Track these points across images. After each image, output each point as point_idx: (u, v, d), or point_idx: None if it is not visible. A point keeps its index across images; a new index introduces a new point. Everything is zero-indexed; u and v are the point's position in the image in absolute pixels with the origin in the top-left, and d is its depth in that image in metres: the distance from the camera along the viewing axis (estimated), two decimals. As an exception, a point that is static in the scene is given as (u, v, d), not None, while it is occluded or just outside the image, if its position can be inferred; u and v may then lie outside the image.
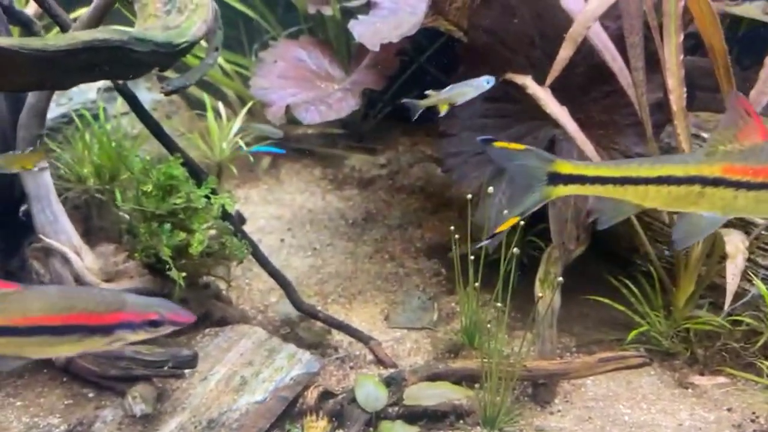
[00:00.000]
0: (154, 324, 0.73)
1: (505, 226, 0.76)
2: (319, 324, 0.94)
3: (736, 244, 0.80)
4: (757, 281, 0.91)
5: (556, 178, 0.72)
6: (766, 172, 0.69)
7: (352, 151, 1.37)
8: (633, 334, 0.92)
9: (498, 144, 0.79)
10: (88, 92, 1.17)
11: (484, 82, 1.03)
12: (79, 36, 0.67)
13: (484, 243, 0.85)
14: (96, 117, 1.08)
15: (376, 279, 1.07)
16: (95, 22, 0.84)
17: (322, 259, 1.12)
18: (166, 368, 0.79)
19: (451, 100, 1.13)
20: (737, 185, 0.68)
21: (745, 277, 0.97)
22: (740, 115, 0.71)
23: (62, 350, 0.80)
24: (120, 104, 1.13)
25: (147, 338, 0.74)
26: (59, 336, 0.74)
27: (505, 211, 0.90)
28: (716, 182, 0.69)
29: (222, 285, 0.95)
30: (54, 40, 0.66)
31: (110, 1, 0.79)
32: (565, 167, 0.73)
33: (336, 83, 1.30)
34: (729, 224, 0.97)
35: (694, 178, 0.70)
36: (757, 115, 0.78)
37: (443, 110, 1.11)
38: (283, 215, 1.19)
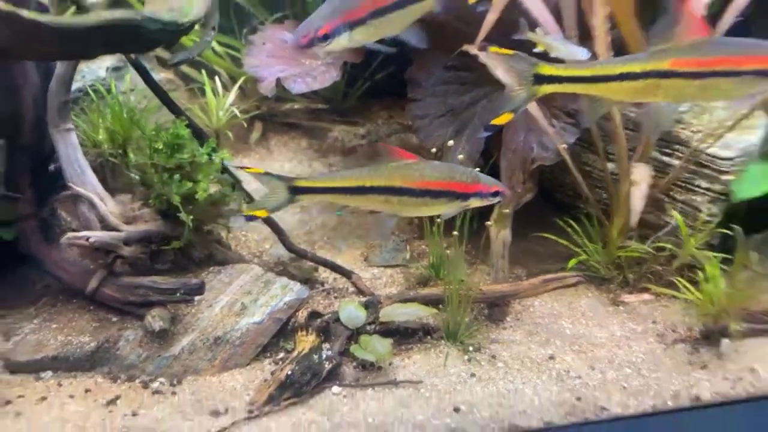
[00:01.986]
0: (496, 194, 0.89)
1: (498, 120, 0.83)
2: (308, 263, 1.08)
3: (641, 173, 0.94)
4: (675, 213, 1.05)
5: (540, 78, 0.82)
6: (708, 62, 0.79)
7: (335, 123, 1.48)
8: (573, 262, 1.08)
9: (493, 49, 0.87)
10: (98, 71, 1.27)
11: (580, 53, 1.02)
12: (102, 15, 0.81)
13: (484, 135, 0.99)
14: (108, 91, 1.20)
15: (357, 229, 1.23)
16: (112, 4, 0.95)
17: (309, 214, 1.29)
18: (178, 295, 0.90)
19: (548, 49, 1.06)
20: (685, 75, 0.79)
21: (666, 211, 1.11)
22: (683, 17, 0.88)
23: (431, 211, 0.90)
24: (128, 81, 1.26)
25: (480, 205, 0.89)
26: (435, 198, 0.87)
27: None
28: (668, 74, 0.78)
29: (223, 233, 1.07)
30: (81, 18, 0.78)
31: None
32: (547, 69, 0.83)
33: (319, 60, 1.34)
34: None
35: (651, 72, 0.80)
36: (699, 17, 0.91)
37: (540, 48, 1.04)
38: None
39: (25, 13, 0.77)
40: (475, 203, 0.92)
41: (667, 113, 0.93)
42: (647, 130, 0.96)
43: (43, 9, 0.96)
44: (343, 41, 0.81)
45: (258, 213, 0.87)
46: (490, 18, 0.95)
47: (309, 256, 1.05)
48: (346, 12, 0.82)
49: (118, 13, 0.78)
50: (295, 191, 0.86)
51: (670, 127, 1.07)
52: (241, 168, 0.96)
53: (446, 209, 0.92)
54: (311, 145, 1.47)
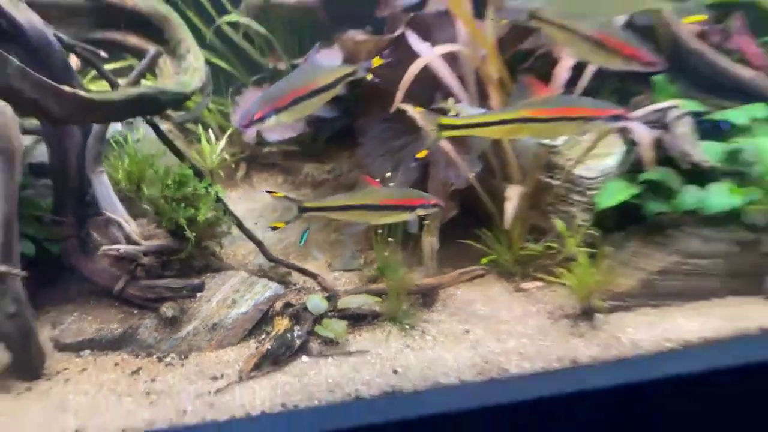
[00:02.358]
0: (435, 206, 1.11)
1: (420, 155, 1.11)
2: (283, 269, 1.32)
3: (512, 191, 1.22)
4: (557, 221, 1.30)
5: (442, 127, 1.07)
6: (553, 111, 1.07)
7: (306, 162, 1.75)
8: (485, 260, 1.33)
9: (416, 109, 1.21)
10: (116, 125, 1.54)
11: (478, 112, 1.37)
12: (130, 91, 1.09)
13: (412, 166, 1.29)
14: (125, 140, 1.49)
15: (323, 244, 1.48)
16: (136, 81, 1.19)
17: (284, 234, 1.54)
18: (184, 292, 1.16)
19: (458, 112, 1.37)
20: (539, 120, 1.07)
21: (551, 219, 1.38)
22: (529, 87, 1.14)
23: (393, 219, 1.13)
24: (140, 132, 1.52)
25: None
26: (394, 210, 1.11)
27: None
28: (528, 120, 1.06)
29: (217, 248, 1.33)
30: (118, 93, 1.07)
31: (144, 71, 1.14)
32: (446, 120, 1.10)
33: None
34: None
35: (517, 119, 1.07)
36: (542, 85, 1.22)
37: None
38: (255, 208, 1.59)
39: (84, 93, 1.02)
40: (421, 212, 1.14)
41: (531, 145, 1.28)
42: (524, 159, 1.26)
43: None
44: (272, 122, 1.04)
45: (278, 224, 1.12)
46: (405, 81, 1.24)
47: (284, 263, 1.29)
48: (273, 101, 1.04)
49: (142, 89, 1.08)
50: (303, 210, 1.10)
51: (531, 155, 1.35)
52: (268, 192, 1.17)
53: (403, 217, 1.13)
54: (287, 180, 1.76)
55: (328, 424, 0.99)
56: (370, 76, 1.21)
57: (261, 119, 1.05)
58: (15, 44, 1.08)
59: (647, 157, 1.23)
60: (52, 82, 0.99)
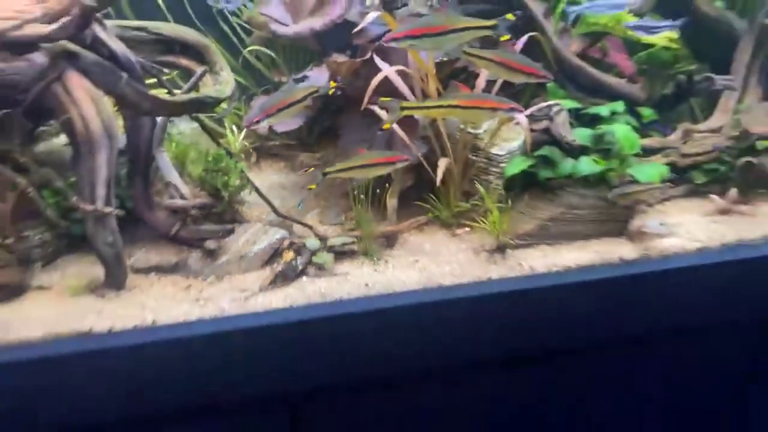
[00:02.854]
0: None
1: (386, 127, 1.49)
2: (287, 223, 1.66)
3: (442, 161, 1.57)
4: (479, 186, 1.61)
5: (402, 108, 1.46)
6: (471, 102, 1.46)
7: (301, 152, 2.07)
8: (429, 214, 1.69)
9: (382, 99, 1.54)
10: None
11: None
12: (187, 96, 1.43)
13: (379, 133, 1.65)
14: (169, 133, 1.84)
15: (315, 208, 1.81)
16: (190, 90, 1.55)
17: (286, 202, 1.85)
18: (220, 234, 1.52)
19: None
20: (462, 107, 1.45)
21: (476, 185, 1.70)
22: (457, 89, 1.53)
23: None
24: (180, 128, 1.85)
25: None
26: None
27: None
28: (455, 107, 1.44)
29: (241, 208, 1.69)
30: (179, 98, 1.42)
31: (196, 82, 1.50)
32: (405, 103, 1.49)
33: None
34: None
35: (449, 105, 1.44)
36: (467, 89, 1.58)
37: None
38: (263, 185, 1.82)
39: (162, 96, 1.43)
40: (399, 166, 1.50)
41: (461, 132, 1.66)
42: (456, 143, 1.64)
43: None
44: (264, 124, 1.51)
45: (312, 186, 1.57)
46: (371, 88, 1.60)
47: (289, 218, 1.64)
48: (265, 110, 1.45)
49: (194, 95, 1.43)
50: (325, 174, 1.49)
51: (456, 131, 1.73)
52: (304, 171, 1.73)
53: (388, 170, 1.51)
54: (287, 165, 2.10)
55: (321, 311, 1.36)
56: (332, 92, 1.57)
57: (258, 122, 1.48)
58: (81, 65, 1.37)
59: (527, 137, 1.63)
60: (144, 89, 1.39)
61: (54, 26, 1.25)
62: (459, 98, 1.50)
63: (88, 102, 1.29)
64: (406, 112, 1.51)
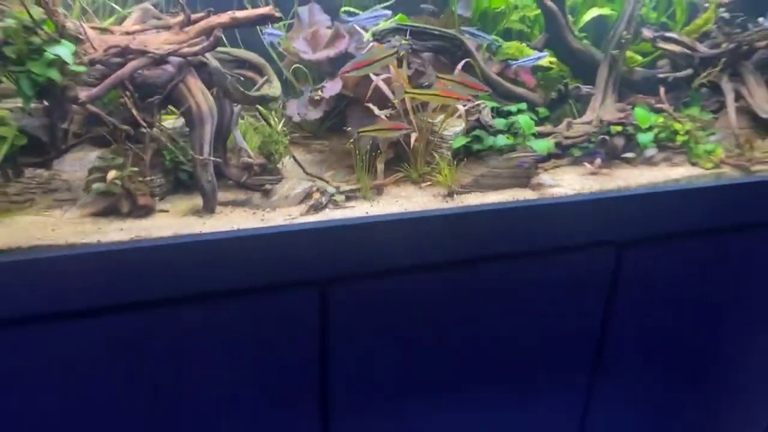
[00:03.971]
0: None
1: (395, 101, 1.95)
2: (313, 178, 1.94)
3: (413, 135, 1.89)
4: (438, 156, 1.95)
5: (406, 92, 1.88)
6: (444, 93, 1.85)
7: (315, 141, 2.42)
8: (404, 175, 2.02)
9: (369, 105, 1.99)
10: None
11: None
12: (256, 93, 1.86)
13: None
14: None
15: (328, 171, 2.12)
16: (258, 90, 2.03)
17: (309, 166, 2.12)
18: (273, 182, 1.78)
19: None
20: (439, 96, 1.85)
21: (435, 154, 2.16)
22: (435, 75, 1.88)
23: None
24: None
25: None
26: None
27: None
28: (434, 95, 1.87)
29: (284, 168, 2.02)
30: (253, 94, 1.79)
31: (261, 86, 1.92)
32: (407, 89, 1.87)
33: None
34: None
35: (430, 93, 1.88)
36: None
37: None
38: (287, 163, 2.13)
39: (242, 90, 1.88)
40: (398, 134, 1.98)
41: (426, 122, 2.03)
42: (422, 127, 1.89)
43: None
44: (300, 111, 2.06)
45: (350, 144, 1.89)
46: (368, 92, 1.92)
47: (312, 175, 1.95)
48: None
49: (260, 93, 1.81)
50: (359, 133, 1.86)
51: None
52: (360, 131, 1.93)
53: (397, 134, 1.97)
54: (304, 149, 2.42)
55: (338, 223, 1.73)
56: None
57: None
58: (207, 71, 1.80)
59: (465, 124, 2.00)
60: (237, 86, 1.81)
61: (197, 48, 1.66)
62: (438, 89, 1.89)
63: (200, 94, 1.65)
64: (406, 95, 1.92)
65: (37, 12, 1.37)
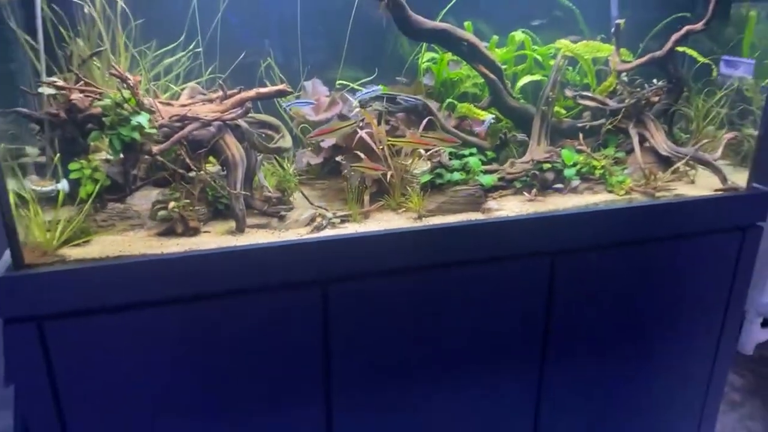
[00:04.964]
0: None
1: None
2: (316, 207, 2.22)
3: (389, 173, 2.14)
4: (409, 189, 2.50)
5: (388, 142, 2.14)
6: (418, 140, 2.26)
7: (316, 182, 2.40)
8: (385, 203, 2.25)
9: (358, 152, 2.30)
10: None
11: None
12: (274, 145, 2.37)
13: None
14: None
15: (327, 204, 2.29)
16: (276, 143, 2.82)
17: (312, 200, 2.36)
18: (287, 210, 2.19)
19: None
20: (414, 143, 2.24)
21: (407, 187, 2.64)
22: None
23: None
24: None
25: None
26: None
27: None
28: (410, 142, 2.21)
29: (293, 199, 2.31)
30: (271, 145, 2.59)
31: (277, 141, 2.60)
32: (390, 140, 2.14)
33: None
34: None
35: (411, 141, 2.25)
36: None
37: None
38: (296, 197, 2.06)
39: (265, 144, 2.43)
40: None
41: (400, 164, 2.73)
42: (397, 169, 2.71)
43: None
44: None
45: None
46: (355, 142, 2.19)
47: (315, 205, 2.23)
48: (323, 130, 2.19)
49: (276, 145, 2.26)
50: (385, 143, 2.09)
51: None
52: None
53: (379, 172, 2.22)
54: (309, 189, 2.36)
55: (338, 237, 2.07)
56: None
57: (315, 137, 2.17)
58: (240, 131, 2.17)
59: (430, 165, 2.32)
60: (260, 140, 2.20)
61: (233, 115, 2.04)
62: (414, 137, 2.22)
63: (234, 147, 1.96)
64: (388, 143, 2.25)
65: (126, 93, 1.74)
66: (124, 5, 1.98)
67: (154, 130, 1.88)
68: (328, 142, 2.37)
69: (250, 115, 2.21)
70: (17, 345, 1.64)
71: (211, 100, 2.09)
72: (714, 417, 2.53)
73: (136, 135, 1.85)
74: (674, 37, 2.31)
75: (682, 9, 2.60)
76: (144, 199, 2.19)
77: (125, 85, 1.76)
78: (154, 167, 2.06)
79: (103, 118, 1.80)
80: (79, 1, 1.90)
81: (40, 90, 1.73)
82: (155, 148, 1.89)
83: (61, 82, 1.76)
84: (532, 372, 2.44)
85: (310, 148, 2.39)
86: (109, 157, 1.89)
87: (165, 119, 1.91)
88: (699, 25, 2.22)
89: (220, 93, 2.07)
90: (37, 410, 1.74)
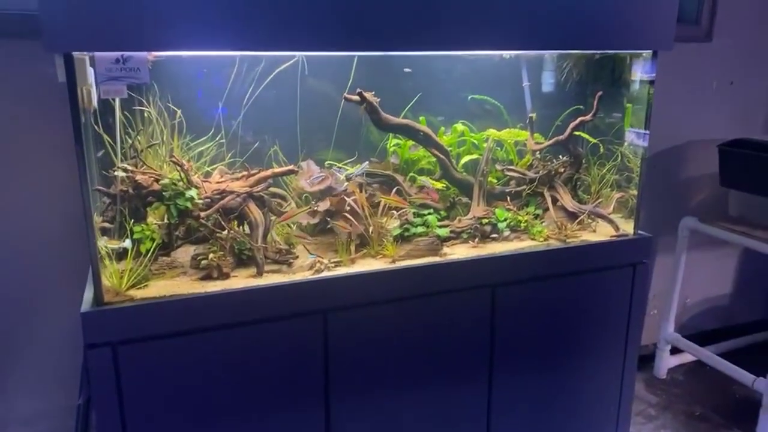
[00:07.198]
0: None
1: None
2: (315, 255, 2.38)
3: (369, 229, 2.63)
4: (384, 240, 2.52)
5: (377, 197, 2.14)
6: (401, 200, 2.47)
7: (316, 236, 2.53)
8: (366, 251, 2.40)
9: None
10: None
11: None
12: (284, 212, 2.98)
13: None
14: None
15: (318, 253, 2.46)
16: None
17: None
18: (293, 258, 2.28)
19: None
20: (396, 201, 2.43)
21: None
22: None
23: None
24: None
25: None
26: None
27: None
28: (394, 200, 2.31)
29: (295, 249, 2.37)
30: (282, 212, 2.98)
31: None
32: (381, 197, 2.31)
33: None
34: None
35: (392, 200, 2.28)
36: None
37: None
38: (300, 249, 2.38)
39: (282, 210, 2.47)
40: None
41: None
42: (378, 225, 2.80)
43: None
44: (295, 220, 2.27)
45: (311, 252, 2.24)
46: (343, 207, 2.40)
47: (314, 254, 2.30)
48: (289, 215, 2.15)
49: (285, 210, 3.19)
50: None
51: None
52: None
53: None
54: (308, 242, 2.59)
55: (334, 276, 2.23)
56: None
57: (284, 219, 2.33)
58: (261, 200, 2.36)
59: (400, 221, 2.46)
60: (274, 206, 2.39)
61: (257, 189, 2.24)
62: (396, 198, 2.41)
63: (256, 212, 2.13)
64: (382, 200, 2.39)
65: (182, 175, 2.10)
66: (174, 107, 2.32)
67: (200, 201, 2.15)
68: (323, 206, 2.63)
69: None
70: (97, 365, 1.92)
71: (238, 178, 2.35)
72: (627, 423, 2.90)
73: (189, 204, 2.12)
74: (572, 125, 2.77)
75: (578, 103, 3.11)
76: (184, 253, 2.39)
77: (180, 168, 2.11)
78: (192, 229, 2.25)
79: (163, 192, 2.08)
80: (142, 108, 2.25)
81: (115, 173, 2.01)
82: (202, 214, 2.13)
83: (129, 167, 2.02)
84: (482, 383, 2.65)
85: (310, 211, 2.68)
86: (158, 222, 2.14)
87: (208, 192, 2.19)
88: (588, 117, 2.71)
89: (245, 172, 2.35)
90: (107, 418, 2.01)
